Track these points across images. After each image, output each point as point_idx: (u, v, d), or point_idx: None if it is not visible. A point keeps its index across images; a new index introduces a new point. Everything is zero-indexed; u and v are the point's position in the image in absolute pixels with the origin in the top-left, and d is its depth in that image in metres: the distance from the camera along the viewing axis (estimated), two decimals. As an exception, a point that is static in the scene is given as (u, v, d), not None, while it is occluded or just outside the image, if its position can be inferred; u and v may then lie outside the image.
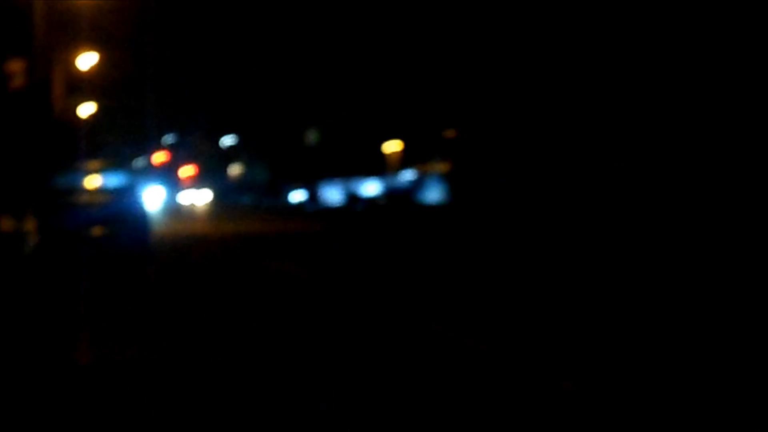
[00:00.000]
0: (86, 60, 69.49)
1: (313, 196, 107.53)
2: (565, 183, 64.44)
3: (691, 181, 51.55)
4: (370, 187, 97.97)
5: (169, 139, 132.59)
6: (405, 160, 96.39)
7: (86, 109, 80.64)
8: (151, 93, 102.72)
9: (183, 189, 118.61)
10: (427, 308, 20.54)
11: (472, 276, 28.92)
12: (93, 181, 43.90)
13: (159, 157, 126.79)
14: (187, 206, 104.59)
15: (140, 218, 41.78)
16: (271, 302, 22.47)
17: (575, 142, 64.33)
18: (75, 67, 68.64)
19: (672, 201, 51.69)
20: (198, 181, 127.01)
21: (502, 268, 32.05)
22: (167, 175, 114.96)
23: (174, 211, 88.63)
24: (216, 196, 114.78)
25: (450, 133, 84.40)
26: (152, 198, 79.51)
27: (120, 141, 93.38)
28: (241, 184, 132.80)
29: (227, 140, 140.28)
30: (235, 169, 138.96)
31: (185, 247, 44.17)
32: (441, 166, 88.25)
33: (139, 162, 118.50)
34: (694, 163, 52.13)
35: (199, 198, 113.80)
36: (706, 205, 46.94)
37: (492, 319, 19.10)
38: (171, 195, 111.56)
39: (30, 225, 42.79)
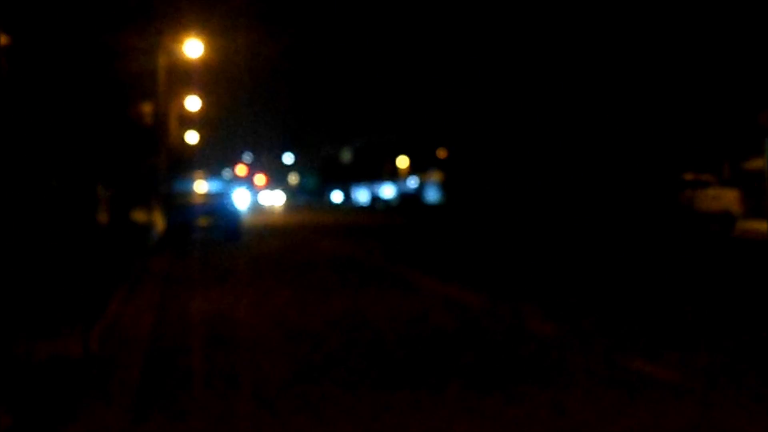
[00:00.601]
0: (192, 103, 69.88)
1: (348, 197, 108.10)
2: (528, 188, 64.73)
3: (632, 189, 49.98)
4: (387, 190, 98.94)
5: (247, 156, 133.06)
6: (411, 171, 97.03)
7: (192, 138, 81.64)
8: (236, 125, 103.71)
9: (262, 193, 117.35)
10: (417, 265, 21.83)
11: (457, 249, 30.37)
12: (199, 187, 45.12)
13: (241, 170, 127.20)
14: (268, 205, 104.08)
15: (232, 212, 43.30)
16: (318, 259, 23.86)
17: (536, 160, 64.56)
18: (185, 108, 69.09)
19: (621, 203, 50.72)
20: (268, 188, 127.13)
21: (480, 243, 33.63)
22: (247, 183, 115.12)
23: (258, 208, 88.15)
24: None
25: (443, 152, 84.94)
26: (241, 199, 79.64)
27: (215, 159, 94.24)
28: (297, 189, 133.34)
29: (287, 157, 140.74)
30: (292, 179, 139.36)
31: (266, 230, 44.92)
32: (437, 176, 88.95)
33: (227, 173, 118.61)
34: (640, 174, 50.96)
35: (277, 199, 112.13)
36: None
37: (466, 273, 19.87)
38: (254, 197, 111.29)
39: (157, 217, 44.38)
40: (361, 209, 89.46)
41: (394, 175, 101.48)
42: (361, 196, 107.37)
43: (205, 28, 55.93)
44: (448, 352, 10.26)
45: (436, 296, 15.75)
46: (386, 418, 7.38)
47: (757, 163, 43.86)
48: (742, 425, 7.06)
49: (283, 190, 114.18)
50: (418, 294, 16.05)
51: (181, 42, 52.42)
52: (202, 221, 40.77)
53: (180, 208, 42.35)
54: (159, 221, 42.32)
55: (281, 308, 14.35)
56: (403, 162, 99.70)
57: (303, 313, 13.68)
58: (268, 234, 41.49)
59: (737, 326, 12.30)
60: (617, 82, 52.08)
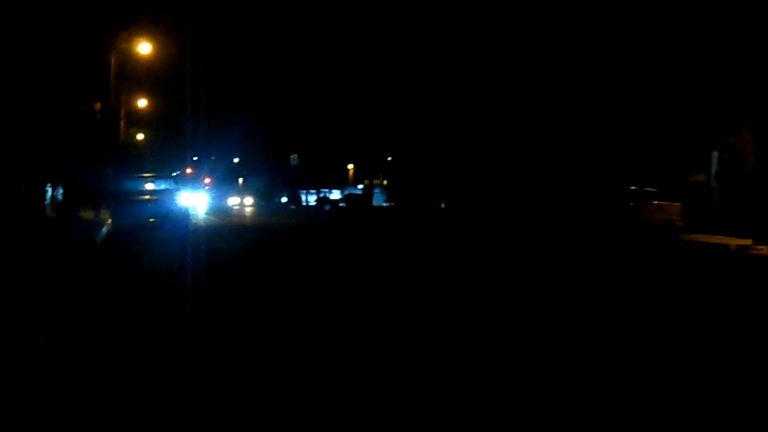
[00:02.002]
0: (140, 102, 69.77)
1: (295, 199, 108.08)
2: (458, 192, 65.27)
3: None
4: (334, 195, 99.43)
5: (194, 158, 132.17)
6: (357, 177, 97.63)
7: (140, 136, 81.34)
8: (183, 124, 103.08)
9: (228, 195, 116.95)
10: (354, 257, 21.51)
11: (397, 244, 30.32)
12: (147, 186, 44.85)
13: (189, 171, 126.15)
14: (233, 206, 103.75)
15: (180, 210, 43.16)
16: (262, 250, 23.52)
17: (467, 169, 65.07)
18: (134, 107, 68.91)
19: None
20: (212, 189, 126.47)
21: (419, 239, 33.56)
22: (200, 184, 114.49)
23: (224, 208, 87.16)
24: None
25: (388, 159, 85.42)
26: (196, 200, 78.99)
27: (162, 158, 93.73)
28: (244, 190, 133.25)
29: (234, 160, 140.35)
30: (239, 180, 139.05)
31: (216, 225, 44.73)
32: (383, 181, 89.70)
33: (174, 174, 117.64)
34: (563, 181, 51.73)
35: (243, 200, 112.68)
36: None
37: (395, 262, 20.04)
38: (218, 198, 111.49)
39: (105, 215, 43.93)
40: (307, 210, 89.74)
41: (342, 180, 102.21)
42: (309, 198, 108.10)
43: (157, 31, 55.80)
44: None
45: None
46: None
47: (699, 177, 44.36)
48: None
49: (251, 194, 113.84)
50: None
51: (133, 44, 52.27)
52: (150, 218, 40.70)
53: (127, 205, 42.19)
54: (107, 218, 41.98)
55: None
56: (350, 168, 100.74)
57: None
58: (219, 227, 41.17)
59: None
60: (567, 96, 52.28)
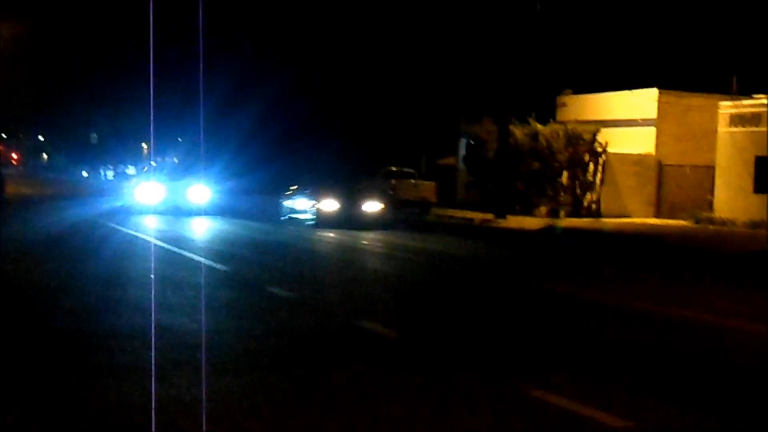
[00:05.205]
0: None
1: (95, 174, 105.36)
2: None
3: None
4: (130, 170, 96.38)
5: (3, 136, 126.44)
6: (152, 154, 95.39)
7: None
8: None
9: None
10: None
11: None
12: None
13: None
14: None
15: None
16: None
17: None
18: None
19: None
20: (21, 165, 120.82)
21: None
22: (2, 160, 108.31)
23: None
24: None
25: (179, 140, 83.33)
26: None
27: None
28: (48, 165, 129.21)
29: (39, 138, 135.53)
30: (44, 156, 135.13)
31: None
32: (173, 159, 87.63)
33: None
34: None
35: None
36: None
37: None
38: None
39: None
40: (108, 183, 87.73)
41: (137, 157, 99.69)
42: (108, 173, 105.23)
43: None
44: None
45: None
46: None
47: (449, 160, 45.16)
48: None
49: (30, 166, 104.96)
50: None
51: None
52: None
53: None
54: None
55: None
56: (144, 146, 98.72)
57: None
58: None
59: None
60: (336, 84, 51.95)
